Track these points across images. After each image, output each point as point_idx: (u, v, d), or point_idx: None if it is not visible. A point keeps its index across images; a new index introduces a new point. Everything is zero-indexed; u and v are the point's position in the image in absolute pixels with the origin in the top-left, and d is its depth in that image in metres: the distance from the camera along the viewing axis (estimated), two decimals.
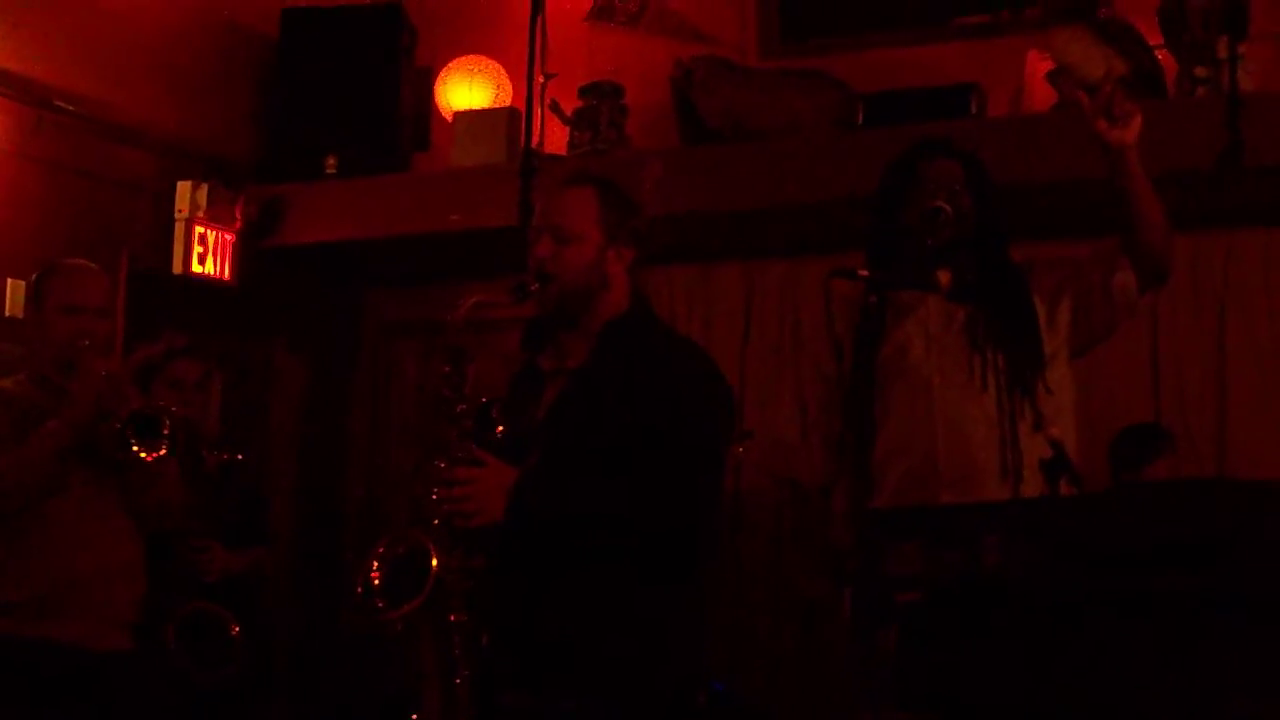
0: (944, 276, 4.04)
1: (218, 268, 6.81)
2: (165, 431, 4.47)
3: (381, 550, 3.60)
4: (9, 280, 5.83)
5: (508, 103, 7.07)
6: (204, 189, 6.76)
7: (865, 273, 3.75)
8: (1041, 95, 6.14)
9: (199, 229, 6.73)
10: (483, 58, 7.24)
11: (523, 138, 6.51)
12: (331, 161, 7.01)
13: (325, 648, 6.50)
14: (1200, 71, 5.84)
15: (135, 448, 4.44)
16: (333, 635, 6.49)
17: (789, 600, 6.19)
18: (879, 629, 3.54)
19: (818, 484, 4.32)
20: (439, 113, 7.29)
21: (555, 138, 6.75)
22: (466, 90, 7.22)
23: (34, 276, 4.77)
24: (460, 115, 7.10)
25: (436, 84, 7.30)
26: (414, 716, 3.56)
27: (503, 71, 7.16)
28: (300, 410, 7.31)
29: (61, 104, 6.28)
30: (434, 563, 3.48)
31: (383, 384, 7.25)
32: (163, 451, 4.47)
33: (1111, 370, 5.59)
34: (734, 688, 5.59)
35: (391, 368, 7.22)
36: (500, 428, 3.67)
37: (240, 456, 5.80)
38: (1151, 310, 5.45)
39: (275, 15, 7.23)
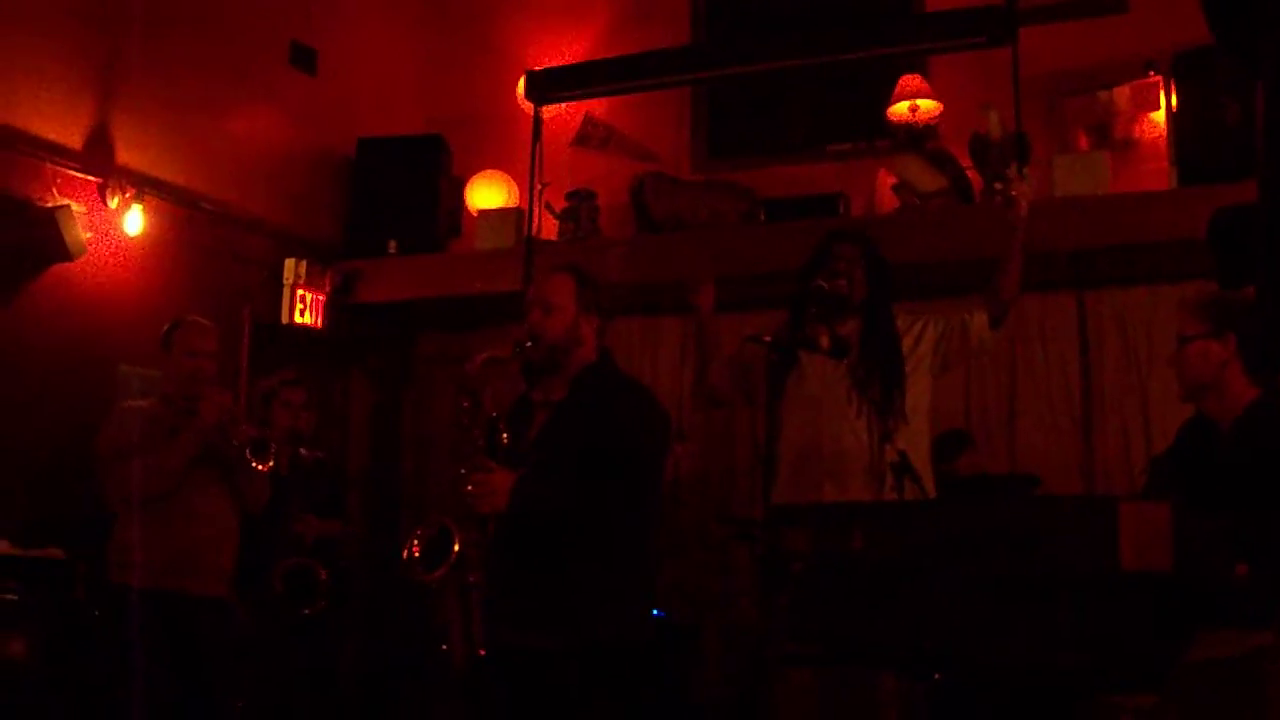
0: (824, 340, 3.96)
1: (313, 319, 6.67)
2: (272, 450, 4.54)
3: (420, 531, 3.47)
4: None
5: (515, 204, 6.89)
6: (303, 264, 6.63)
7: (768, 339, 3.70)
8: (888, 201, 6.04)
9: (300, 291, 6.61)
10: (498, 171, 7.06)
11: (525, 229, 6.36)
12: (392, 244, 6.85)
13: (386, 590, 6.30)
14: (998, 185, 5.75)
15: (254, 462, 4.47)
16: (392, 582, 6.33)
17: (714, 557, 6.00)
18: (780, 588, 3.44)
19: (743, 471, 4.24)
20: (468, 210, 7.10)
21: (549, 229, 6.59)
22: (487, 194, 7.04)
23: (164, 328, 4.63)
24: (482, 212, 6.93)
25: (466, 190, 7.11)
26: (444, 646, 3.41)
27: (512, 181, 6.99)
28: (369, 419, 7.16)
29: (203, 204, 6.15)
30: (456, 542, 3.36)
31: (426, 400, 7.06)
32: (270, 464, 4.52)
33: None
34: (671, 616, 5.44)
35: (433, 389, 7.02)
36: (505, 435, 3.49)
37: (326, 454, 5.66)
38: None
39: (353, 142, 7.09)
